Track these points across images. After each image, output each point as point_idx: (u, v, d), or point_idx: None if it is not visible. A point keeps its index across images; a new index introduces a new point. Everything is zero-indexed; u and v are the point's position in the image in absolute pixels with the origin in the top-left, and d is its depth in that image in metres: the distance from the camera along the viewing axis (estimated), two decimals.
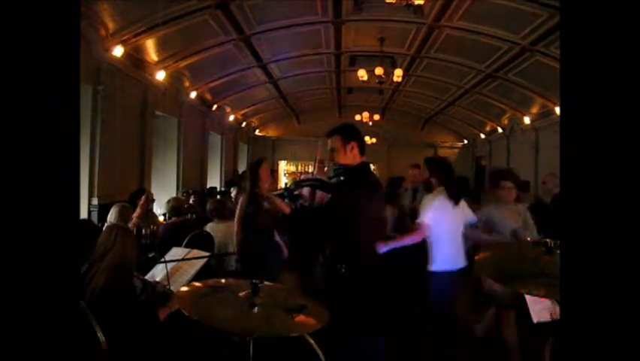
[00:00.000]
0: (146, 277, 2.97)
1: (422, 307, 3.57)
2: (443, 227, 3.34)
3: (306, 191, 3.08)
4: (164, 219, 5.96)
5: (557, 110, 9.62)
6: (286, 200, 2.59)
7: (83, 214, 6.08)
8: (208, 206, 4.99)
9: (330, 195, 2.67)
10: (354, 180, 2.53)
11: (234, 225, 4.11)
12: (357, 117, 12.96)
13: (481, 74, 9.86)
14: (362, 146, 2.64)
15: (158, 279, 3.02)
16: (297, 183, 2.89)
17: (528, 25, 7.05)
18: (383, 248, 2.85)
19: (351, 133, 2.65)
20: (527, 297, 2.62)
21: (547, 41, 7.27)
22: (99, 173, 6.43)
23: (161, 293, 2.71)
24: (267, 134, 17.41)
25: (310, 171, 15.43)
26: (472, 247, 3.46)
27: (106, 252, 2.42)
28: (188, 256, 3.21)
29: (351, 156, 2.59)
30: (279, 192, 2.68)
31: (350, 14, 7.66)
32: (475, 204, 4.28)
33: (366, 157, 2.70)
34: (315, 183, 3.05)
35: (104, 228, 2.98)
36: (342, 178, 2.59)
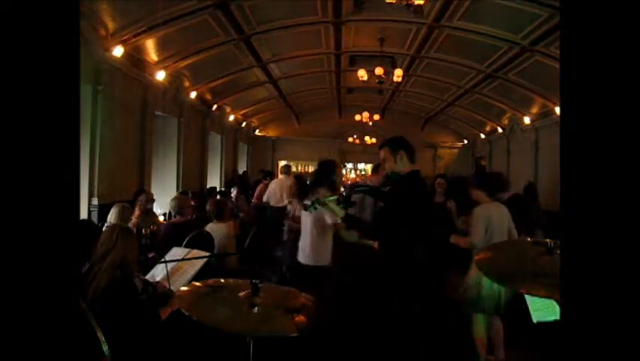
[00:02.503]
0: (147, 277, 2.97)
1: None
2: None
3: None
4: (164, 219, 5.97)
5: (557, 110, 9.62)
6: (342, 205, 2.84)
7: (83, 214, 6.08)
8: (208, 207, 4.99)
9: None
10: (402, 187, 2.83)
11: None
12: (357, 117, 12.95)
13: (481, 74, 9.85)
14: (411, 154, 2.89)
15: (158, 279, 3.03)
16: (352, 189, 3.22)
17: (528, 25, 7.04)
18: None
19: (399, 143, 2.92)
20: (527, 297, 2.62)
21: (547, 41, 7.26)
22: (99, 173, 6.42)
23: (162, 293, 2.71)
24: (267, 135, 17.40)
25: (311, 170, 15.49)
26: None
27: (107, 252, 2.42)
28: (188, 256, 3.22)
29: (401, 165, 2.86)
30: (333, 197, 2.94)
31: (350, 14, 7.65)
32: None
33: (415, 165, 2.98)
34: (367, 190, 3.49)
35: (104, 228, 2.98)
36: (392, 185, 2.94)
